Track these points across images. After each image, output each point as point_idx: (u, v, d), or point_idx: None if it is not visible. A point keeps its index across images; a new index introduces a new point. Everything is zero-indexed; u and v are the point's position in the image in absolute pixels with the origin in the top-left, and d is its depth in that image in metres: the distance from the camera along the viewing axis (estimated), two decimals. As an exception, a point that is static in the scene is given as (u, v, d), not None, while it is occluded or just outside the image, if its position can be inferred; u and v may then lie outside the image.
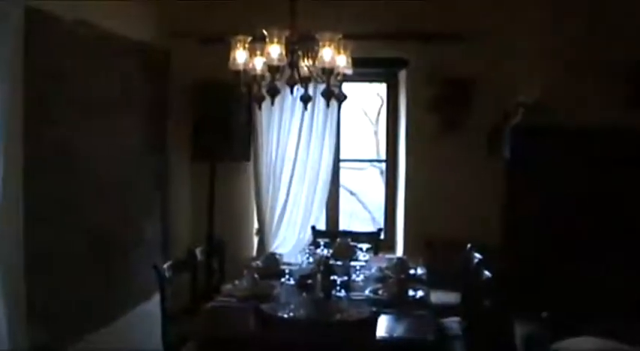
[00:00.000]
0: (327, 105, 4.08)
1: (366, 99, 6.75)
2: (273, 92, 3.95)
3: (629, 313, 5.47)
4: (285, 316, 3.45)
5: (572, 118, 5.56)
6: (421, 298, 4.17)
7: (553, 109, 5.61)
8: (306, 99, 4.06)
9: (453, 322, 4.84)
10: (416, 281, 4.58)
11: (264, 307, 3.38)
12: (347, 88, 5.79)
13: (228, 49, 4.01)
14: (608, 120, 5.53)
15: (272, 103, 4.09)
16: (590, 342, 4.54)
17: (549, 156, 5.70)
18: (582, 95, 5.68)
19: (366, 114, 7.37)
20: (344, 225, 6.63)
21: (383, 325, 3.48)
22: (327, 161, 6.24)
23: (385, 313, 3.73)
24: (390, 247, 6.38)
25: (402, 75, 6.41)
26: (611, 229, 5.87)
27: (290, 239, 6.27)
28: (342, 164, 6.60)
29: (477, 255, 4.60)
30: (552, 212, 5.94)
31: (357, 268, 4.59)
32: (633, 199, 5.85)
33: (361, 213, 7.35)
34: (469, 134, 6.08)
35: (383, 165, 6.72)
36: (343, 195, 6.68)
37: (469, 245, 4.89)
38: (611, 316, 5.35)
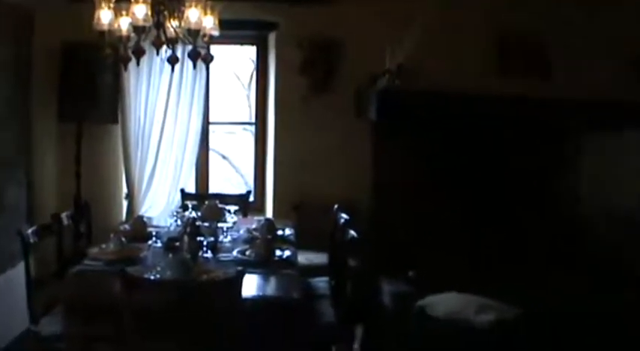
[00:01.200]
0: (194, 66, 4.04)
1: (238, 62, 6.71)
2: (139, 53, 3.89)
3: (492, 269, 5.72)
4: (152, 277, 3.44)
5: (437, 83, 5.68)
6: (288, 258, 4.24)
7: (418, 74, 5.73)
8: (172, 60, 4.02)
9: (320, 282, 4.93)
10: (283, 242, 4.65)
11: (130, 269, 3.36)
12: (218, 50, 5.79)
13: (93, 10, 3.91)
14: (473, 85, 5.68)
15: (137, 64, 4.04)
16: (455, 297, 4.72)
17: (415, 119, 5.84)
18: (449, 60, 5.79)
19: (238, 78, 7.34)
20: (215, 188, 6.63)
21: (249, 285, 3.52)
22: (196, 124, 6.19)
23: (252, 273, 3.78)
24: (260, 209, 6.43)
25: (272, 38, 6.42)
26: (477, 190, 6.10)
27: (159, 202, 6.21)
28: (214, 128, 6.57)
29: (344, 215, 4.69)
30: (419, 174, 6.11)
31: (225, 229, 4.61)
32: (497, 160, 6.08)
33: (233, 177, 7.35)
34: (337, 97, 6.17)
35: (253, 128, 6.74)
36: (215, 159, 6.66)
37: (336, 206, 4.98)
38: (476, 273, 5.59)
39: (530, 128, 5.97)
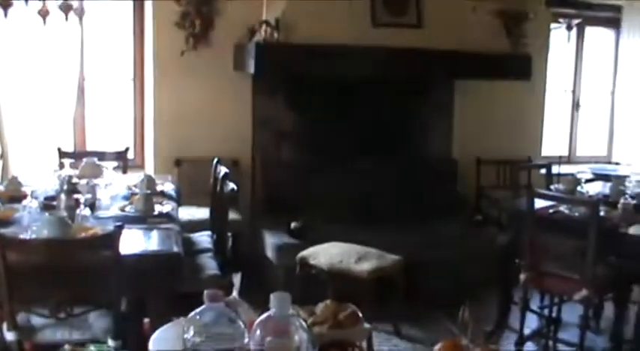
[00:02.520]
0: (66, 18, 3.94)
1: (115, 17, 6.54)
2: (6, 5, 3.78)
3: (373, 219, 5.86)
4: (27, 238, 3.38)
5: (313, 36, 5.73)
6: (168, 213, 4.22)
7: (295, 27, 5.75)
8: (43, 13, 3.92)
9: (202, 236, 4.94)
10: (163, 197, 4.63)
11: (5, 231, 3.30)
12: (93, 5, 5.67)
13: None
14: (348, 37, 5.76)
15: (5, 16, 3.91)
16: (336, 247, 4.81)
17: (292, 73, 5.88)
18: (323, 13, 5.84)
19: (116, 32, 7.17)
20: (93, 146, 6.49)
21: (129, 240, 3.50)
22: (73, 80, 6.04)
23: (132, 228, 3.75)
24: (140, 165, 6.36)
25: (148, -9, 6.31)
26: (355, 142, 6.21)
27: (35, 162, 6.04)
28: (92, 83, 6.42)
29: (223, 168, 4.70)
30: (298, 127, 6.18)
31: (103, 186, 4.55)
32: (374, 111, 6.20)
33: (112, 133, 7.21)
34: (217, 51, 6.12)
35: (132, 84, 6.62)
36: (93, 115, 6.51)
37: (216, 159, 4.98)
38: (356, 224, 5.72)
39: (403, 78, 6.11)
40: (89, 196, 4.11)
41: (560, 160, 6.88)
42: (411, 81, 6.34)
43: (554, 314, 5.21)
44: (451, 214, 6.27)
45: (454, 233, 6.04)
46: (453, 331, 4.55)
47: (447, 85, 6.66)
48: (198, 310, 1.62)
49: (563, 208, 4.66)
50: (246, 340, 1.60)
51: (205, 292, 1.63)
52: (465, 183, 6.60)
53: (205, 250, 4.65)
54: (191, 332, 1.60)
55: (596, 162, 7.72)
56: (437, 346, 1.62)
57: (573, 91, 7.85)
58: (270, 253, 5.61)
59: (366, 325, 2.44)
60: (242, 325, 1.61)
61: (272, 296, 1.60)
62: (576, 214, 4.55)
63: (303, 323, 2.43)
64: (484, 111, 6.76)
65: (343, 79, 5.90)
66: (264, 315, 1.61)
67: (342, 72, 5.78)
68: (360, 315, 2.49)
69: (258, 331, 1.59)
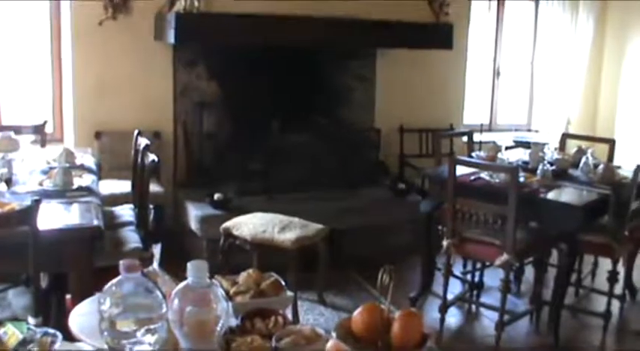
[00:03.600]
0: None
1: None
2: None
3: (294, 189, 5.86)
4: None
5: (235, 6, 5.66)
6: (88, 186, 4.15)
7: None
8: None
9: (124, 209, 4.87)
10: (83, 170, 4.54)
11: None
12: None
13: None
14: (270, 7, 5.72)
15: None
16: (259, 217, 4.79)
17: (214, 42, 5.82)
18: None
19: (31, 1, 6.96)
20: (9, 120, 6.32)
21: (47, 215, 3.43)
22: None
23: (50, 202, 3.68)
24: (59, 139, 6.22)
25: (63, -40, 6.13)
26: (279, 112, 6.18)
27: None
28: (6, 55, 6.23)
29: (144, 140, 4.62)
30: (220, 98, 6.12)
31: (20, 161, 4.44)
32: (298, 83, 6.18)
33: (31, 106, 7.03)
34: (137, 20, 5.98)
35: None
36: (11, 88, 6.33)
37: (136, 131, 4.91)
38: (279, 193, 5.71)
39: (326, 47, 6.11)
40: (5, 170, 4.01)
41: (481, 128, 6.99)
42: (334, 50, 6.34)
43: (476, 279, 5.32)
44: (374, 183, 6.33)
45: (377, 201, 6.10)
46: (377, 297, 4.60)
47: (369, 55, 6.67)
48: (114, 281, 1.60)
49: (484, 174, 4.74)
50: (164, 310, 1.58)
51: (121, 262, 1.60)
52: (388, 152, 6.66)
53: (127, 224, 4.59)
54: (107, 304, 1.57)
55: (516, 130, 7.86)
56: (357, 310, 1.62)
57: (494, 60, 7.94)
58: (193, 225, 5.57)
59: (289, 293, 2.44)
60: (160, 295, 1.59)
61: (189, 265, 1.58)
62: (497, 180, 4.63)
63: (223, 292, 2.42)
64: (407, 80, 6.81)
65: (265, 49, 5.86)
66: (182, 284, 1.59)
67: (263, 42, 5.74)
68: (283, 283, 2.48)
69: (176, 300, 1.57)
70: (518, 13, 8.10)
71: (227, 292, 2.48)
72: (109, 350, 1.57)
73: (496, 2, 7.74)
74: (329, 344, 1.69)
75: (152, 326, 1.55)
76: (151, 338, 1.55)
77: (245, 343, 2.04)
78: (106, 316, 1.56)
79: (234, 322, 2.26)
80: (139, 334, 1.54)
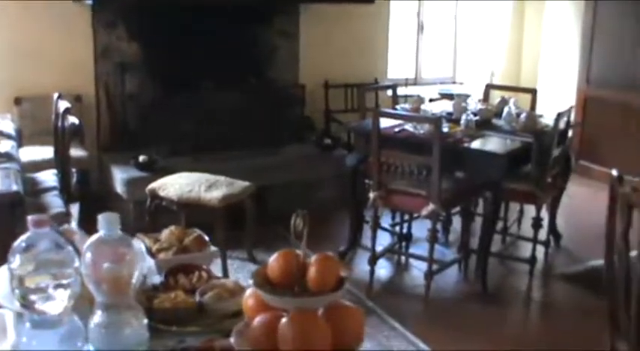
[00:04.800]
0: None
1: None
2: None
3: (222, 147, 5.83)
4: None
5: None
6: (6, 152, 4.06)
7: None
8: None
9: (47, 175, 4.78)
10: (1, 136, 4.43)
11: None
12: None
13: None
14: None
15: None
16: (185, 177, 4.75)
17: (133, 1, 5.71)
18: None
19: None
20: None
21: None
22: None
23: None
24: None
25: None
26: (202, 71, 6.11)
27: None
28: None
29: (64, 103, 4.52)
30: (140, 59, 6.02)
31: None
32: (221, 40, 6.10)
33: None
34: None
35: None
36: None
37: (56, 94, 4.79)
38: (205, 152, 5.67)
39: (248, 3, 6.05)
40: None
41: (406, 82, 7.02)
42: (256, 7, 6.26)
43: (405, 231, 5.38)
44: (301, 139, 6.34)
45: (304, 157, 6.10)
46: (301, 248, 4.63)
47: (292, 10, 6.62)
48: (22, 237, 1.55)
49: (408, 126, 4.76)
50: (76, 265, 1.54)
51: (29, 217, 1.56)
52: (313, 107, 6.64)
53: (50, 189, 4.50)
54: (17, 261, 1.53)
55: (441, 83, 7.93)
56: (272, 257, 1.62)
57: (418, 15, 7.96)
58: (119, 188, 5.50)
59: (213, 248, 2.42)
60: (72, 250, 1.55)
61: (99, 217, 1.54)
62: (421, 131, 4.66)
63: (142, 246, 2.39)
64: (331, 36, 6.78)
65: (186, 7, 5.76)
66: (93, 237, 1.56)
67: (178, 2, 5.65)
68: (207, 238, 2.46)
69: (88, 254, 1.54)
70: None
71: (150, 250, 2.45)
72: (21, 307, 1.54)
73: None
74: (246, 293, 1.69)
75: (64, 281, 1.52)
76: (63, 293, 1.52)
77: (168, 299, 2.03)
78: (16, 273, 1.52)
79: (157, 279, 2.25)
80: (50, 289, 1.51)
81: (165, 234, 2.58)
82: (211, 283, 2.18)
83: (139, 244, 2.50)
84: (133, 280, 1.57)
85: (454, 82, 8.12)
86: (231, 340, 1.63)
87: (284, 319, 1.53)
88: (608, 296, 2.82)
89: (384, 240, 5.35)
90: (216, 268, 4.41)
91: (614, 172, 2.72)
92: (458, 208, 5.32)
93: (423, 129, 4.63)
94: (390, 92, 5.87)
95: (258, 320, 1.58)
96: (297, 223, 1.57)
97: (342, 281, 1.59)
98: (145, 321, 1.62)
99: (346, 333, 1.59)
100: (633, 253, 2.54)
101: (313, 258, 1.58)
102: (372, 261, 4.83)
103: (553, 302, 4.89)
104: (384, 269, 5.12)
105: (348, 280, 1.59)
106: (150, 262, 2.35)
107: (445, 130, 4.59)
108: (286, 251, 1.61)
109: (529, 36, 8.28)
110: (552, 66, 8.08)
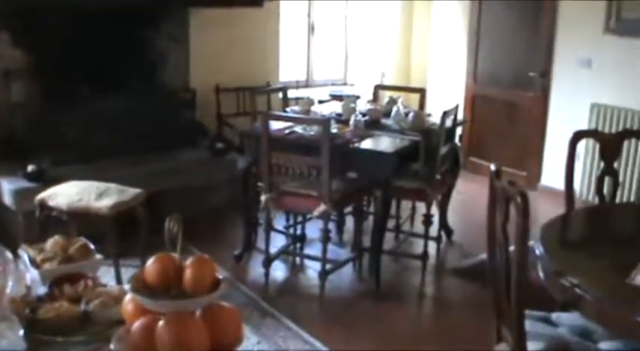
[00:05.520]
0: None
1: None
2: None
3: (113, 155, 5.75)
4: None
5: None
6: None
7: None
8: None
9: None
10: None
11: None
12: None
13: None
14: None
15: None
16: (74, 186, 4.68)
17: (16, 5, 5.56)
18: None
19: None
20: None
21: None
22: None
23: None
24: None
25: None
26: (91, 77, 6.00)
27: None
28: None
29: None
30: (29, 63, 5.88)
31: None
32: (110, 46, 6.01)
33: None
34: None
35: None
36: None
37: None
38: (96, 160, 5.59)
39: (137, 8, 5.97)
40: None
41: (297, 84, 7.08)
42: (145, 11, 6.19)
43: (299, 232, 5.42)
44: (193, 144, 6.31)
45: (196, 162, 6.08)
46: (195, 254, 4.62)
47: (181, 15, 6.57)
48: None
49: (298, 128, 4.81)
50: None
51: None
52: (205, 112, 6.60)
53: None
54: None
55: (333, 84, 8.00)
56: (149, 261, 1.63)
57: (308, 16, 8.01)
58: (7, 199, 5.36)
59: (98, 257, 2.41)
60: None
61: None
62: (311, 133, 4.71)
63: (26, 259, 2.36)
64: (221, 39, 6.75)
65: (74, 12, 5.64)
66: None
67: (70, 4, 5.53)
68: (92, 247, 2.45)
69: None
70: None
71: (34, 261, 2.42)
72: None
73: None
74: (125, 298, 1.69)
75: None
76: None
77: (53, 309, 2.01)
78: None
79: (42, 289, 2.22)
80: None
81: (49, 244, 2.56)
82: (97, 291, 2.17)
83: (24, 255, 2.47)
84: (7, 291, 1.56)
85: (345, 84, 8.21)
86: (111, 346, 1.63)
87: (161, 323, 1.54)
88: (492, 287, 2.93)
89: (279, 242, 5.38)
90: (109, 277, 4.38)
91: (493, 167, 2.82)
92: (350, 208, 5.40)
93: (313, 130, 4.67)
94: (281, 95, 5.90)
95: (136, 325, 1.59)
96: (172, 227, 1.58)
97: (219, 283, 1.61)
98: (21, 332, 1.60)
99: (225, 333, 1.62)
100: (512, 248, 2.64)
101: (188, 261, 1.60)
102: (267, 263, 4.86)
103: (445, 297, 5.02)
104: (279, 271, 5.15)
105: (224, 282, 1.61)
106: (34, 272, 2.33)
107: (334, 131, 4.66)
108: (162, 255, 1.62)
109: (418, 36, 8.44)
110: (441, 65, 8.27)
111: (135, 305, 1.64)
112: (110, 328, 1.90)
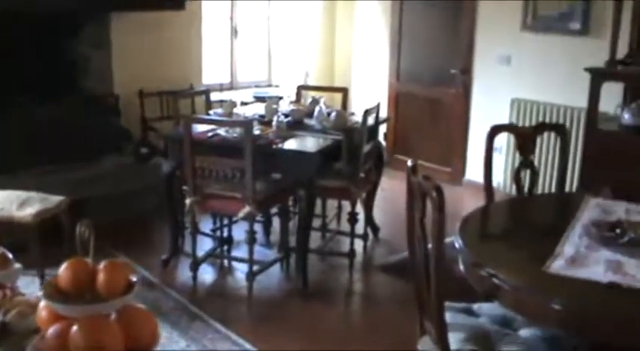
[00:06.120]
0: None
1: None
2: None
3: (36, 163, 5.66)
4: None
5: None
6: None
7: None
8: None
9: None
10: None
11: None
12: None
13: None
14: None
15: None
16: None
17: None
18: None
19: None
20: None
21: None
22: None
23: None
24: None
25: None
26: (13, 84, 5.89)
27: None
28: None
29: None
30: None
31: None
32: (31, 52, 5.93)
33: None
34: None
35: None
36: None
37: None
38: (18, 169, 5.50)
39: (56, 14, 5.89)
40: None
41: (221, 87, 7.07)
42: (65, 17, 6.09)
43: (225, 234, 5.42)
44: (118, 150, 6.26)
45: (121, 168, 6.04)
46: (125, 260, 4.60)
47: (102, 20, 6.49)
48: None
49: (221, 131, 4.82)
50: None
51: None
52: (129, 117, 6.54)
53: None
54: None
55: (257, 86, 8.02)
56: (61, 267, 1.63)
57: (231, 19, 8.00)
58: None
59: (17, 266, 2.38)
60: None
61: None
62: (234, 135, 4.72)
63: None
64: (143, 44, 6.68)
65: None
66: None
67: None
68: (10, 256, 2.42)
69: None
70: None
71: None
72: None
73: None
74: (40, 305, 1.69)
75: None
76: None
77: (-32, 322, 1.99)
78: None
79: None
80: None
81: (-36, 255, 2.52)
82: (15, 301, 2.15)
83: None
84: None
85: (270, 85, 8.23)
86: (27, 354, 1.63)
87: (74, 327, 1.55)
88: (414, 281, 2.98)
89: (206, 245, 5.39)
90: (34, 287, 4.32)
91: (409, 162, 2.87)
92: (277, 209, 5.42)
93: (236, 133, 4.69)
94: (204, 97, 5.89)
95: (50, 331, 1.60)
96: (83, 232, 1.59)
97: (132, 285, 1.62)
98: None
99: (141, 334, 1.63)
100: (429, 245, 2.69)
101: (101, 265, 1.61)
102: (194, 267, 4.86)
103: (372, 293, 5.08)
104: (207, 274, 5.14)
105: (138, 284, 1.63)
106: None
107: (257, 132, 4.68)
108: (74, 260, 1.63)
109: (341, 35, 8.51)
110: (364, 64, 8.36)
111: (49, 312, 1.64)
112: (28, 338, 1.89)
